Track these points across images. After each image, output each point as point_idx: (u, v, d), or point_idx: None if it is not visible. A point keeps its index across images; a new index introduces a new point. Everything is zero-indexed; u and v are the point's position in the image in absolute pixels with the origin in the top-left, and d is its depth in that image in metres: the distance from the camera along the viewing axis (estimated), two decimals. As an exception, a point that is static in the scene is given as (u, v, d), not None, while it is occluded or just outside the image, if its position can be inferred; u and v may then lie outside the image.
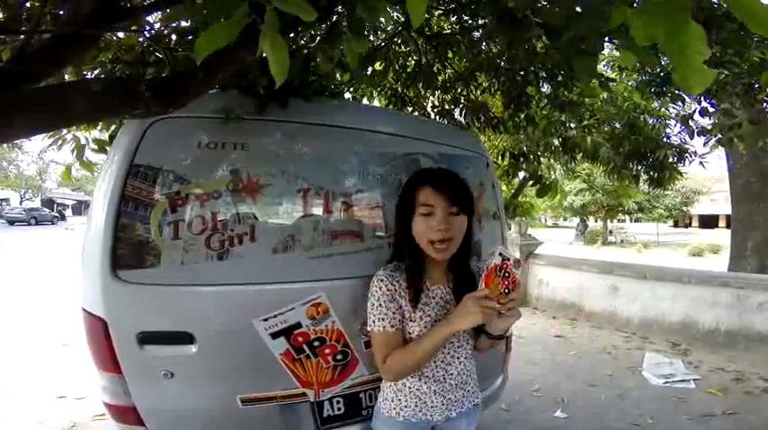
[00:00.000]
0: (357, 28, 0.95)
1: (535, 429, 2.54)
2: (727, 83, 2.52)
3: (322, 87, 1.55)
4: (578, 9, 1.10)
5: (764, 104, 3.01)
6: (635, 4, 0.61)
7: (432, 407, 1.15)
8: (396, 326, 1.11)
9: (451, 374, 1.16)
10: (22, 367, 3.36)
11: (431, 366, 1.15)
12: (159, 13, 1.33)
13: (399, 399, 1.17)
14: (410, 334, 1.12)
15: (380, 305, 1.11)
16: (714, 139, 3.41)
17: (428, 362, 1.13)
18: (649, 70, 3.38)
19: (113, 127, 1.91)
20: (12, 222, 25.11)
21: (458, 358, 1.17)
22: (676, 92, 3.32)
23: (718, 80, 2.51)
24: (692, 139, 3.48)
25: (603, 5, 0.81)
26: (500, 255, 0.99)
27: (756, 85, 2.67)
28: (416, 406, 1.15)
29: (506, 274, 0.98)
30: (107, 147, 2.01)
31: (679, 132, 4.59)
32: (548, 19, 1.24)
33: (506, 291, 0.99)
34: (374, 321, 1.12)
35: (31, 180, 32.69)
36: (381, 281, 1.13)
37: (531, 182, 3.47)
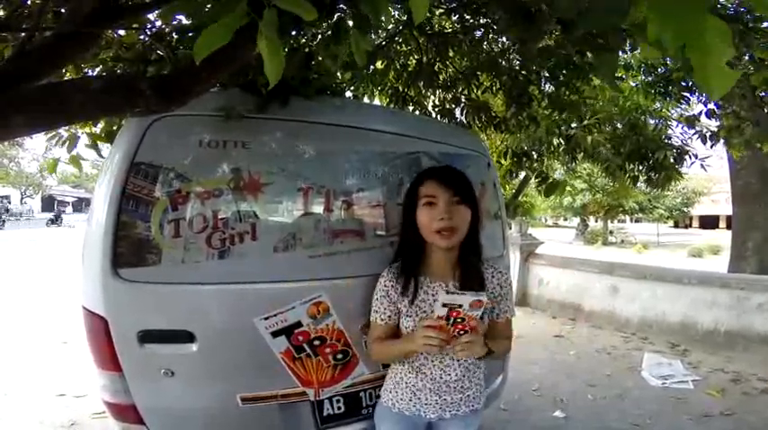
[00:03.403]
0: (364, 25, 0.95)
1: (534, 429, 2.54)
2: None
3: (323, 86, 1.55)
4: (589, 3, 1.07)
5: None
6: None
7: (426, 403, 1.18)
8: (385, 319, 1.19)
9: (450, 375, 1.17)
10: (21, 365, 3.36)
11: (428, 365, 1.17)
12: (160, 10, 1.32)
13: (396, 391, 1.21)
14: (406, 328, 1.16)
15: (376, 299, 1.21)
16: (722, 142, 3.38)
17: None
18: (654, 71, 3.36)
19: (102, 124, 1.90)
20: None
21: (457, 361, 1.17)
22: (681, 92, 3.30)
23: None
24: (704, 145, 3.43)
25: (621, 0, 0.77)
26: (443, 306, 0.98)
27: (763, 86, 2.65)
28: (411, 400, 1.18)
29: (459, 320, 0.99)
30: (98, 143, 1.99)
31: (681, 133, 4.57)
32: (561, 13, 1.20)
33: (460, 333, 1.01)
34: (371, 311, 1.23)
35: (31, 177, 32.66)
36: (382, 277, 1.22)
37: (537, 182, 3.46)
